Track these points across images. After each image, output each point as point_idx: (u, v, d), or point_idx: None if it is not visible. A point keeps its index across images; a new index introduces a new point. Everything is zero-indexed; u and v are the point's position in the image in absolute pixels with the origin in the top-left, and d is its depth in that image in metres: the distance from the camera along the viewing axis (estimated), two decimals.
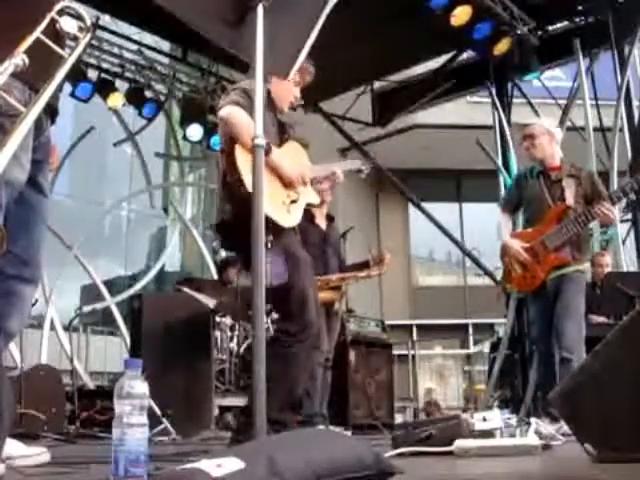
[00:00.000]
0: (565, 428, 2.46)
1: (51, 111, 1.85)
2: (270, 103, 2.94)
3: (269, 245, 2.53)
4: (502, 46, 6.42)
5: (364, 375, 5.51)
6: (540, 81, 7.26)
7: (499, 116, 7.24)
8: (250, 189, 2.23)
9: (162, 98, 7.91)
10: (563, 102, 7.45)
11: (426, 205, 8.72)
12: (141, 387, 1.33)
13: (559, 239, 3.67)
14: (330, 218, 4.47)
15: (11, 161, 1.44)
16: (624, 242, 6.26)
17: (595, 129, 6.68)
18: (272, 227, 2.62)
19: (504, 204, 4.05)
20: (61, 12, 1.70)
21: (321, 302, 4.21)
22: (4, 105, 1.57)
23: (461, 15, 6.02)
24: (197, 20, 1.91)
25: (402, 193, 9.06)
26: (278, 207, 2.74)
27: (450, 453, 2.21)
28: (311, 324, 2.73)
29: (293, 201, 2.83)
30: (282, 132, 3.02)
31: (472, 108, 10.06)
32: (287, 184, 2.82)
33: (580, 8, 6.79)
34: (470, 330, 12.67)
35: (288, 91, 2.99)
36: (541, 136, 3.81)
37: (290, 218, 2.79)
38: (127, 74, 7.60)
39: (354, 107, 8.34)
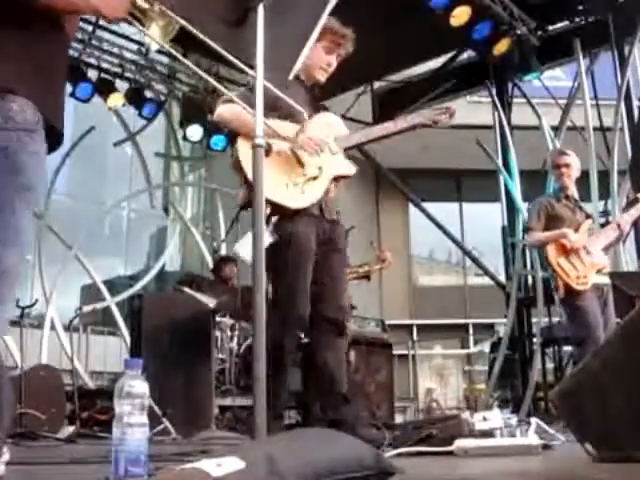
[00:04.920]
0: None
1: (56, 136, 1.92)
2: (295, 79, 2.86)
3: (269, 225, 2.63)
4: (502, 46, 6.43)
5: (364, 375, 5.51)
6: (540, 81, 7.26)
7: (499, 116, 7.24)
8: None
9: (162, 98, 7.91)
10: (563, 102, 7.44)
11: (426, 205, 8.72)
12: (141, 387, 1.33)
13: (598, 245, 4.19)
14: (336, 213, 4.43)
15: None
16: (624, 242, 6.26)
17: (595, 129, 6.68)
18: (279, 210, 2.68)
19: (535, 227, 4.30)
20: None
21: None
22: (22, 121, 1.67)
23: (461, 15, 6.02)
24: (197, 20, 1.91)
25: (402, 193, 9.07)
26: (287, 189, 2.71)
27: (450, 453, 2.21)
28: (296, 318, 2.71)
29: (312, 178, 2.75)
30: (314, 107, 2.92)
31: (472, 108, 10.06)
32: (301, 161, 2.75)
33: (580, 8, 6.79)
34: (470, 330, 12.67)
35: (317, 59, 2.88)
36: (574, 168, 4.40)
37: (303, 198, 2.73)
38: (127, 74, 7.60)
39: (354, 107, 8.34)
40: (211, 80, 1.92)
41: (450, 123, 3.06)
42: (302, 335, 5.18)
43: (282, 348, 2.71)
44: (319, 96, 3.07)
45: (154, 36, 1.82)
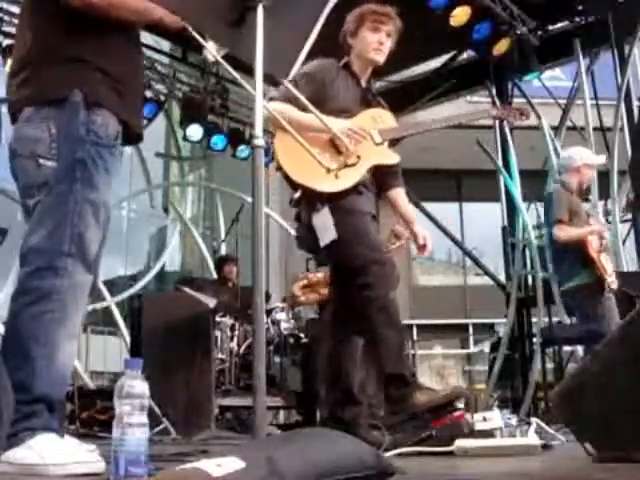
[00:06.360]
0: None
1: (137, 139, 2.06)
2: (347, 70, 2.93)
3: (318, 207, 2.71)
4: (502, 46, 6.42)
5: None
6: (540, 81, 7.25)
7: None
8: (286, 168, 2.67)
9: (162, 98, 7.91)
10: (563, 102, 7.44)
11: (426, 205, 8.71)
12: (141, 387, 1.33)
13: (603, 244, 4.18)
14: None
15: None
16: (624, 242, 6.25)
17: (595, 129, 6.67)
18: (309, 192, 2.71)
19: (566, 220, 4.13)
20: None
21: None
22: (104, 137, 1.80)
23: (461, 15, 6.01)
24: (197, 20, 1.91)
25: None
26: (319, 175, 2.70)
27: (450, 453, 2.21)
28: (374, 259, 2.65)
29: (348, 165, 2.75)
30: (366, 101, 2.95)
31: (472, 108, 10.05)
32: (340, 150, 2.77)
33: (580, 8, 6.78)
34: (470, 330, 12.66)
35: (365, 41, 2.89)
36: None
37: (337, 183, 2.72)
38: None
39: None
40: (247, 85, 1.95)
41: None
42: (303, 335, 5.20)
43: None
44: (372, 90, 3.06)
45: (212, 49, 1.91)
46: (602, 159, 4.48)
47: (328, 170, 2.69)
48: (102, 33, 1.85)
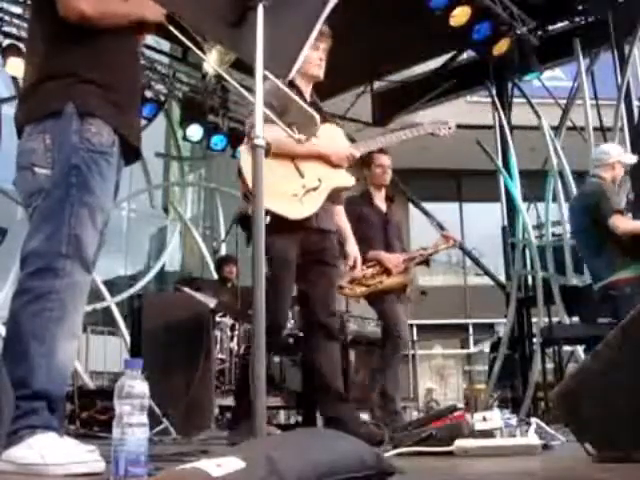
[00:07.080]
0: None
1: (133, 152, 2.09)
2: (292, 88, 2.94)
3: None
4: (502, 46, 6.42)
5: (364, 375, 5.51)
6: (540, 81, 7.26)
7: (499, 116, 7.24)
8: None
9: (162, 98, 7.91)
10: (563, 102, 7.44)
11: (426, 205, 8.72)
12: (141, 387, 1.33)
13: None
14: (390, 199, 4.42)
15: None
16: None
17: (595, 129, 6.67)
18: (278, 221, 2.66)
19: (622, 209, 4.04)
20: None
21: (392, 288, 4.18)
22: (97, 144, 1.86)
23: (461, 15, 6.01)
24: (197, 21, 1.91)
25: (402, 193, 9.07)
26: (286, 199, 2.72)
27: (450, 453, 2.21)
28: (274, 324, 2.62)
29: (311, 189, 2.77)
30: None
31: (472, 108, 10.05)
32: (303, 173, 2.78)
33: (580, 8, 6.79)
34: (470, 330, 12.68)
35: (308, 58, 2.92)
36: None
37: (302, 209, 2.75)
38: None
39: (354, 107, 8.34)
40: (248, 95, 1.95)
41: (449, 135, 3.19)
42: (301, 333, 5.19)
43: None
44: (319, 105, 3.11)
45: (212, 61, 1.93)
46: (634, 158, 4.44)
47: (294, 194, 2.70)
48: (95, 45, 1.90)
